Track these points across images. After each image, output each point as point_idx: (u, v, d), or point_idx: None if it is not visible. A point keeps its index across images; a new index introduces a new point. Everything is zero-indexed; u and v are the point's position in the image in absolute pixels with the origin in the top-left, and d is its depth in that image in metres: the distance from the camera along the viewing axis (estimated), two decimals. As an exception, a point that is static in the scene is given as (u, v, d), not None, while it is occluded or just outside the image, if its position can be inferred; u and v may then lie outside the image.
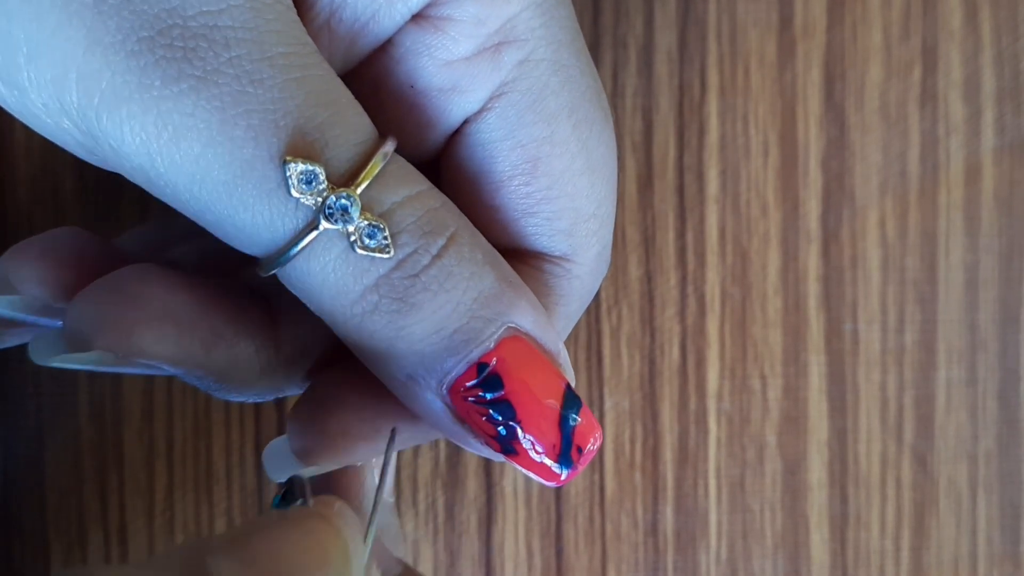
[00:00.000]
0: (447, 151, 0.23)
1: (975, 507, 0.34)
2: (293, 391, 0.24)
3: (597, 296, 0.33)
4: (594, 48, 0.33)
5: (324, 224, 0.19)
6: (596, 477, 0.33)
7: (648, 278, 0.33)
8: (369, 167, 0.19)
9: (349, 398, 0.22)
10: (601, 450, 0.33)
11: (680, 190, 0.33)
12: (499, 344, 0.20)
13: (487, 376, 0.20)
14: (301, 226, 0.19)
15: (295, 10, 0.20)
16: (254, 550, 0.18)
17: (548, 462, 0.21)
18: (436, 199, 0.20)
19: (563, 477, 0.21)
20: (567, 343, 0.33)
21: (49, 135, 0.20)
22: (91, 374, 0.32)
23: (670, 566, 0.33)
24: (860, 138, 0.33)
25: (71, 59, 0.18)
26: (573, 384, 0.22)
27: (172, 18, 0.18)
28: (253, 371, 0.22)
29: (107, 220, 0.32)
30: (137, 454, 0.32)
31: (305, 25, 0.20)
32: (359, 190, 0.19)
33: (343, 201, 0.19)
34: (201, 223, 0.19)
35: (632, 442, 0.33)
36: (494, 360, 0.20)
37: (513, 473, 0.33)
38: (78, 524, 0.32)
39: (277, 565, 0.18)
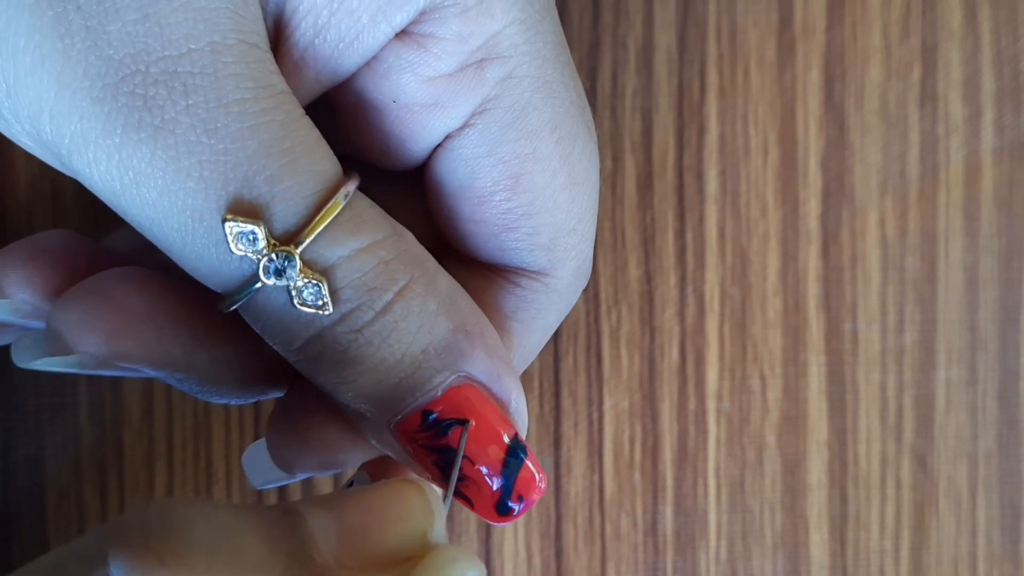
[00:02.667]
0: (429, 165, 0.22)
1: (975, 507, 0.34)
2: (276, 394, 0.24)
3: (597, 296, 0.33)
4: (594, 48, 0.33)
5: (263, 280, 0.19)
6: (596, 477, 0.33)
7: (648, 278, 0.33)
8: (315, 221, 0.19)
9: (327, 405, 0.22)
10: (600, 450, 0.33)
11: (680, 190, 0.33)
12: (448, 392, 0.20)
13: (432, 423, 0.20)
14: (245, 278, 0.19)
15: (264, 45, 0.19)
16: (344, 502, 0.19)
17: (489, 507, 0.21)
18: (391, 249, 0.20)
19: (507, 520, 0.21)
20: (567, 347, 0.33)
21: (38, 156, 0.20)
22: (91, 375, 0.32)
23: (669, 566, 0.33)
24: (860, 138, 0.33)
25: (44, 100, 0.18)
26: (523, 433, 0.22)
27: (136, 63, 0.18)
28: (234, 375, 0.22)
29: (107, 222, 0.32)
30: (137, 454, 0.32)
31: (288, 48, 0.20)
32: (300, 248, 0.19)
33: (280, 261, 0.19)
34: (167, 256, 0.20)
35: (631, 442, 0.33)
36: (440, 408, 0.20)
37: (513, 473, 0.33)
38: (78, 524, 0.32)
39: (365, 513, 0.19)
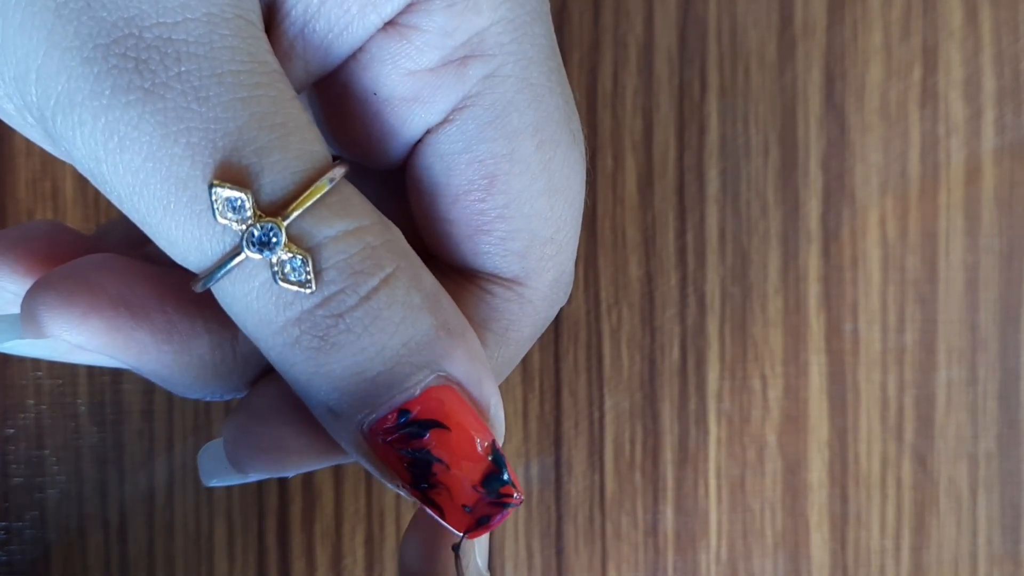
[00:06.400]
0: (410, 161, 0.22)
1: (975, 507, 0.34)
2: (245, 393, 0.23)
3: (597, 296, 0.33)
4: (594, 48, 0.33)
5: (247, 252, 0.19)
6: (596, 477, 0.33)
7: (648, 278, 0.33)
8: (303, 197, 0.19)
9: (285, 409, 0.22)
10: (601, 450, 0.33)
11: (680, 190, 0.33)
12: (425, 392, 0.20)
13: (408, 423, 0.20)
14: (227, 250, 0.19)
15: (259, 24, 0.19)
16: None
17: (461, 516, 0.21)
18: (378, 236, 0.20)
19: (479, 533, 0.21)
20: (567, 347, 0.33)
21: (18, 129, 0.20)
22: (91, 372, 0.32)
23: (670, 566, 0.33)
24: (860, 138, 0.33)
25: (32, 59, 0.18)
26: (501, 440, 0.21)
27: (129, 27, 0.18)
28: (207, 368, 0.21)
29: (107, 221, 0.32)
30: (137, 454, 0.32)
31: (278, 36, 0.20)
32: (287, 221, 0.19)
33: (266, 232, 0.19)
34: (143, 230, 0.19)
35: (632, 442, 0.33)
36: (417, 408, 0.20)
37: (513, 473, 0.33)
38: (78, 524, 0.32)
39: None
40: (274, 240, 0.19)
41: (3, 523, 0.32)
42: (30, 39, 0.18)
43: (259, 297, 0.19)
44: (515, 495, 0.21)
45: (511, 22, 0.21)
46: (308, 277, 0.19)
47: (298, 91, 0.21)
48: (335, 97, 0.22)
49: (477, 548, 0.24)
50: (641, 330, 0.33)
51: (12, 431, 0.32)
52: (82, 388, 0.32)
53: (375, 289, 0.19)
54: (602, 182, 0.33)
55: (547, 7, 0.22)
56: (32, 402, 0.32)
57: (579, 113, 0.30)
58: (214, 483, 0.24)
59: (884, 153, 0.33)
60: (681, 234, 0.33)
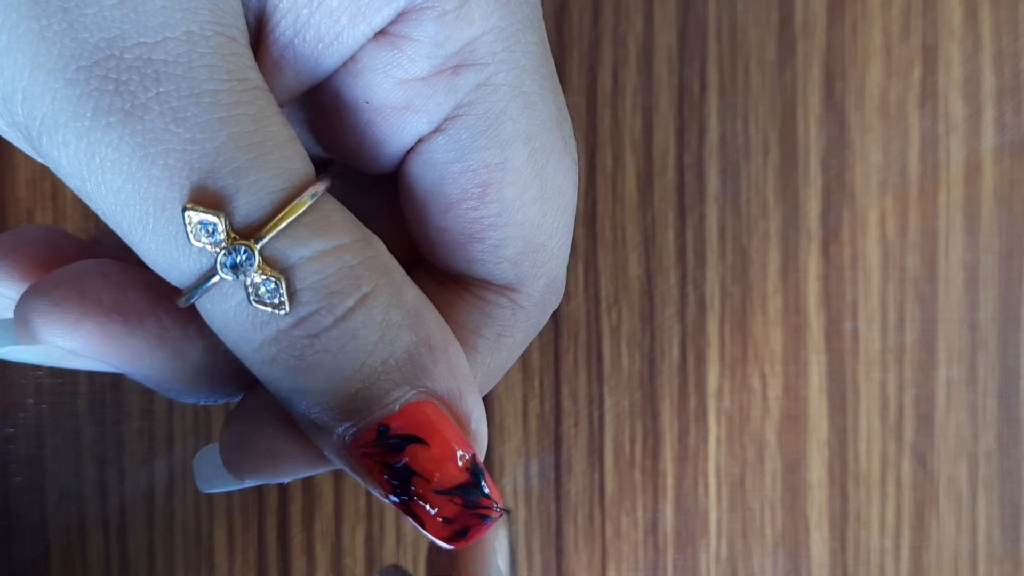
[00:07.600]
0: (402, 169, 0.22)
1: (975, 506, 0.34)
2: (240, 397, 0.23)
3: (597, 295, 0.33)
4: (594, 47, 0.33)
5: (221, 275, 0.19)
6: (596, 476, 0.33)
7: (648, 277, 0.33)
8: (279, 217, 0.19)
9: (280, 414, 0.22)
10: (601, 449, 0.33)
11: (680, 189, 0.33)
12: (405, 408, 0.20)
13: (387, 438, 0.20)
14: (203, 271, 0.19)
15: (243, 40, 0.19)
16: None
17: (440, 528, 0.21)
18: (357, 254, 0.20)
19: (459, 544, 0.21)
20: (567, 346, 0.33)
21: (13, 143, 0.20)
22: (91, 372, 0.32)
23: (670, 565, 0.33)
24: (860, 137, 0.33)
25: (18, 80, 0.18)
26: (482, 453, 0.21)
27: (110, 48, 0.18)
28: (201, 373, 0.21)
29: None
30: (137, 453, 0.32)
31: (268, 46, 0.20)
32: (261, 243, 0.19)
33: (238, 255, 0.19)
34: (128, 246, 0.20)
35: (632, 441, 0.33)
36: (397, 424, 0.20)
37: (512, 472, 0.33)
38: (78, 524, 0.32)
39: None
40: (247, 263, 0.19)
41: (3, 523, 0.32)
42: (16, 61, 0.18)
43: (236, 316, 0.19)
44: (495, 507, 0.21)
45: (503, 31, 0.21)
46: (281, 299, 0.19)
47: (290, 100, 0.21)
48: (327, 105, 0.22)
49: (499, 550, 0.24)
50: (641, 329, 0.33)
51: (12, 431, 0.32)
52: (82, 388, 0.32)
53: (351, 309, 0.19)
54: (602, 181, 0.33)
55: (539, 14, 0.22)
56: (32, 402, 0.32)
57: (579, 113, 0.31)
58: (211, 490, 0.24)
59: (884, 152, 0.33)
60: (681, 233, 0.33)
